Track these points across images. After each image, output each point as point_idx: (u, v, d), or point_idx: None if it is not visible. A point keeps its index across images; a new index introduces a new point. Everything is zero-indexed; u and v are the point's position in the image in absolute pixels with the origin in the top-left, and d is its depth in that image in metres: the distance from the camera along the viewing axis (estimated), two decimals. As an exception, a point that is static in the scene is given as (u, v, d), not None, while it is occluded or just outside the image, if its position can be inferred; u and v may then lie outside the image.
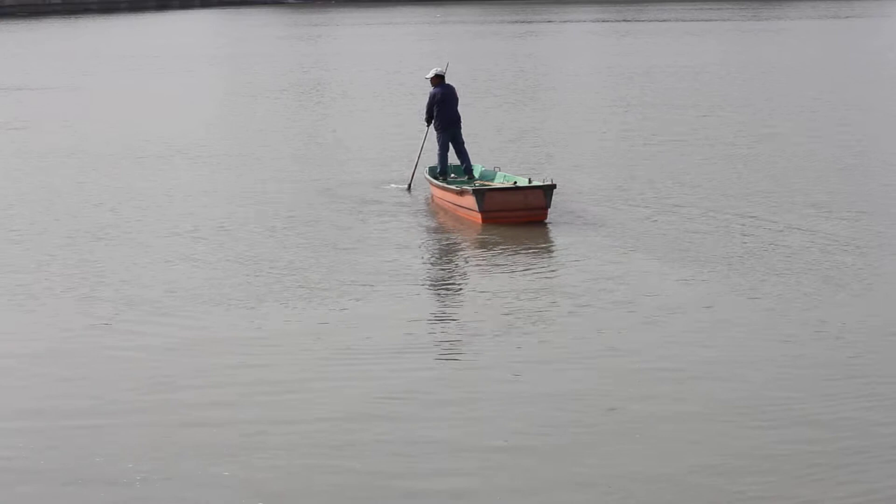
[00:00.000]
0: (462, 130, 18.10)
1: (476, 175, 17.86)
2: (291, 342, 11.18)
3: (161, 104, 32.60)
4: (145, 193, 18.60)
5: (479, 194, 15.81)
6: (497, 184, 17.10)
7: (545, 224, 15.82)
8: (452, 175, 17.98)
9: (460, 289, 13.42)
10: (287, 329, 11.61)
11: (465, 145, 18.08)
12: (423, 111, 18.51)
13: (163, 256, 14.44)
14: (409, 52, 49.74)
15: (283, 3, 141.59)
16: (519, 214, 15.81)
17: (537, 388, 9.87)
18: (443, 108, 17.81)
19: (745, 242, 14.77)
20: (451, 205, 16.75)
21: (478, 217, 15.82)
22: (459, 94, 18.53)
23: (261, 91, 34.71)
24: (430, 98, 18.07)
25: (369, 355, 10.75)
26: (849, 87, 34.12)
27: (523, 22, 77.30)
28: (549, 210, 15.97)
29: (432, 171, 18.00)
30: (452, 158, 18.23)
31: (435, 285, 13.45)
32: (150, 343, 11.25)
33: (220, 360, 10.75)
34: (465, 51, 49.02)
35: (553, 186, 15.93)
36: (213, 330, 11.62)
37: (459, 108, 18.21)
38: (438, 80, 17.97)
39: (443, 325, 11.83)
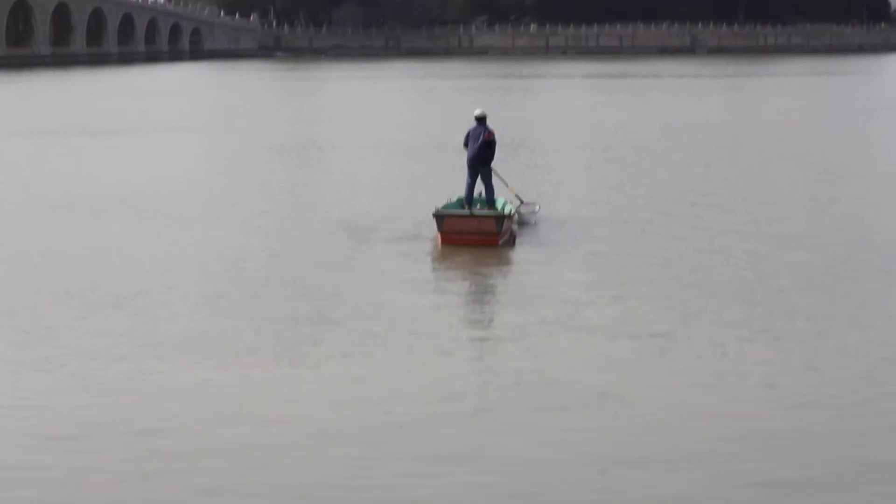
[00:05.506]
0: (491, 168, 18.95)
1: (498, 207, 18.89)
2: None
3: (155, 158, 31.20)
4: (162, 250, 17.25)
5: (440, 218, 17.46)
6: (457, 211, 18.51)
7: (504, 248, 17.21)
8: (478, 206, 19.04)
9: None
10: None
11: (493, 179, 18.98)
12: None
13: (150, 316, 13.16)
14: (421, 106, 48.60)
15: (273, 56, 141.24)
16: (472, 238, 17.35)
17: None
18: (468, 148, 18.92)
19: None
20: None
21: (439, 238, 17.47)
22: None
23: (261, 146, 33.27)
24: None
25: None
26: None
27: (527, 77, 76.65)
28: (503, 237, 17.47)
29: (459, 201, 19.16)
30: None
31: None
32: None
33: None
34: (477, 103, 48.01)
35: (504, 217, 17.65)
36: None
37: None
38: (476, 120, 18.91)
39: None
